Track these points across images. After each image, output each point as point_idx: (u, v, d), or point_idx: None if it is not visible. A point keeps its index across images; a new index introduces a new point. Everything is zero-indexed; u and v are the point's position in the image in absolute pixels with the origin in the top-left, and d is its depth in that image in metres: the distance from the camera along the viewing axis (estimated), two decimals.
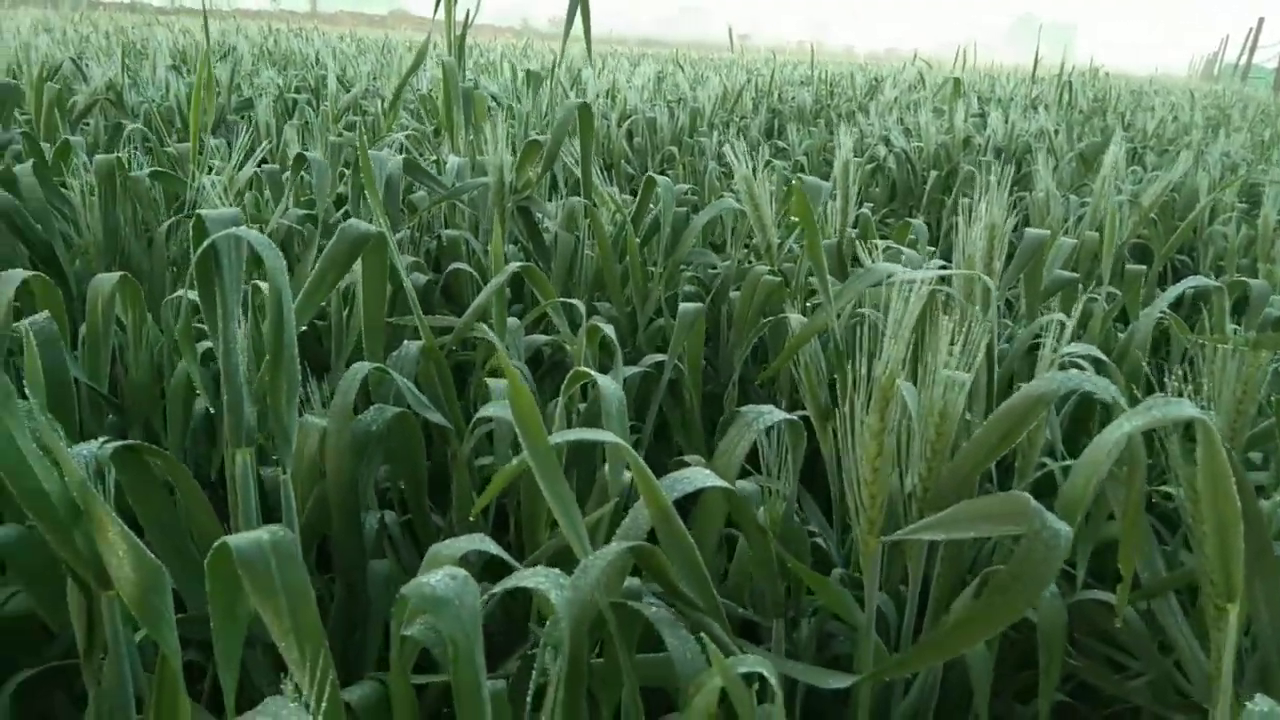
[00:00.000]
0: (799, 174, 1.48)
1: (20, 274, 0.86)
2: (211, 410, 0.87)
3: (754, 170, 1.41)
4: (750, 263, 1.39)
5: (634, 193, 1.90)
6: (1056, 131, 2.86)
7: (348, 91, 2.82)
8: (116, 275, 0.88)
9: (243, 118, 2.67)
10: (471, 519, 0.65)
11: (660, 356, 1.05)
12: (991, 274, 1.01)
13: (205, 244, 0.63)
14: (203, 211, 0.66)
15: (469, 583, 0.44)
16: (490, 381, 0.89)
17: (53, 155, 1.46)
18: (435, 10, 1.74)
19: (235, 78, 2.76)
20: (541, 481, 0.55)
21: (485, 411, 0.80)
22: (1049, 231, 1.18)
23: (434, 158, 1.84)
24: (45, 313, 0.76)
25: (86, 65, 2.77)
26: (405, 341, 0.88)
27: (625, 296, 1.34)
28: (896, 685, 0.73)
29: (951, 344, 0.66)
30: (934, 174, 2.45)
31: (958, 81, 3.05)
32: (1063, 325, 0.87)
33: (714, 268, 1.48)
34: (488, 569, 0.75)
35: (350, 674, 0.74)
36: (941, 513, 0.58)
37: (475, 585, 0.44)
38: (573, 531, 0.55)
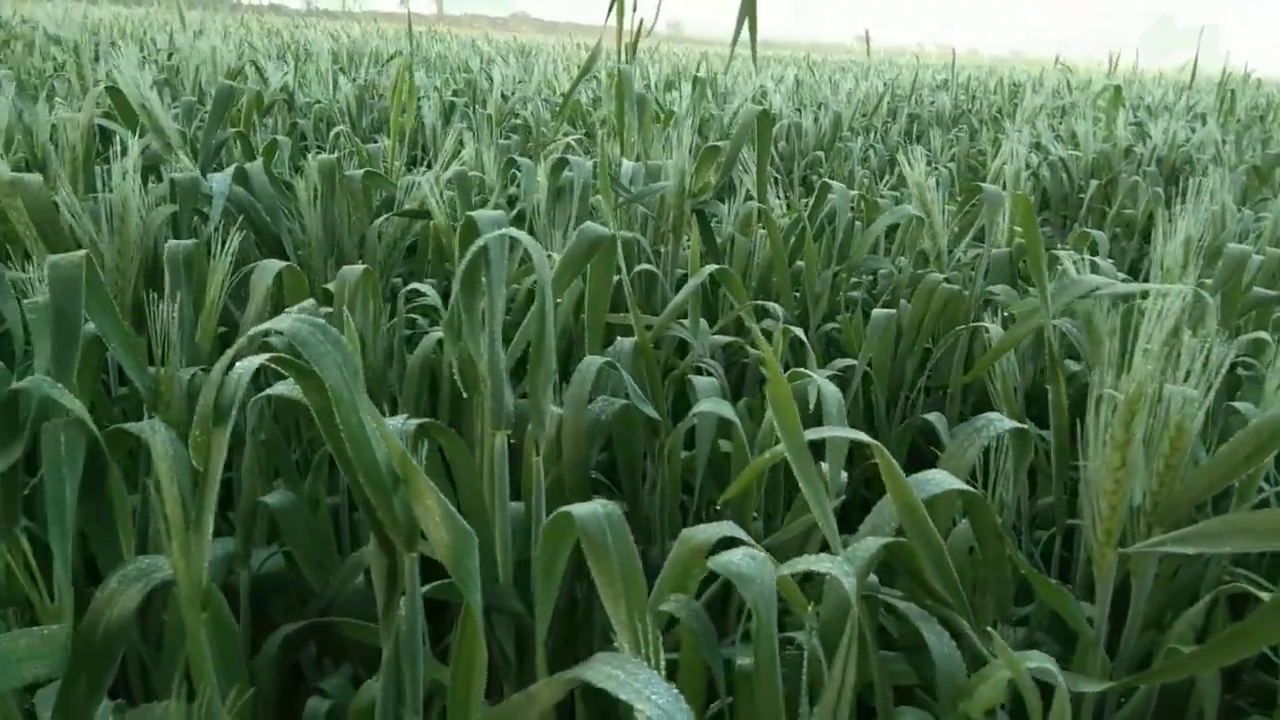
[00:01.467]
0: (976, 181, 1.48)
1: (277, 264, 0.95)
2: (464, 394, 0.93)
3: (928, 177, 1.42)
4: (921, 269, 1.40)
5: (782, 197, 1.92)
6: (1225, 142, 2.74)
7: (503, 95, 2.92)
8: (360, 268, 0.96)
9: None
10: (718, 507, 0.69)
11: (849, 361, 1.08)
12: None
13: (479, 242, 0.69)
14: (475, 214, 0.72)
15: (766, 563, 0.47)
16: (695, 379, 0.93)
17: (261, 154, 1.58)
18: (606, 16, 1.80)
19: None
20: (799, 474, 0.58)
21: (701, 408, 0.84)
22: (1250, 247, 1.15)
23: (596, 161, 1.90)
24: (310, 300, 0.84)
25: (260, 67, 2.96)
26: (618, 338, 0.93)
27: (794, 299, 1.37)
28: (1110, 697, 0.74)
29: (1192, 360, 0.66)
30: (1094, 183, 2.38)
31: (1118, 89, 2.95)
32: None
33: (884, 274, 1.49)
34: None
35: (579, 645, 0.79)
36: (1192, 527, 0.59)
37: (771, 565, 0.47)
38: (826, 524, 0.59)
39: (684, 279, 1.46)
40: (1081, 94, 4.88)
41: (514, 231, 0.69)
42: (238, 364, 0.54)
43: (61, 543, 0.62)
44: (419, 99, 2.93)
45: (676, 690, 0.40)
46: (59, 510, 0.63)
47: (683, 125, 1.32)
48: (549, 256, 0.94)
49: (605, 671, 0.41)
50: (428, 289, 1.06)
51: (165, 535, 0.73)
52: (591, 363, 0.80)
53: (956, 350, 1.26)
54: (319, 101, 2.75)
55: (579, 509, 0.48)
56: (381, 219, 1.26)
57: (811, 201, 1.46)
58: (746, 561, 0.47)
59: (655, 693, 0.39)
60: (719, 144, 1.36)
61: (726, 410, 0.83)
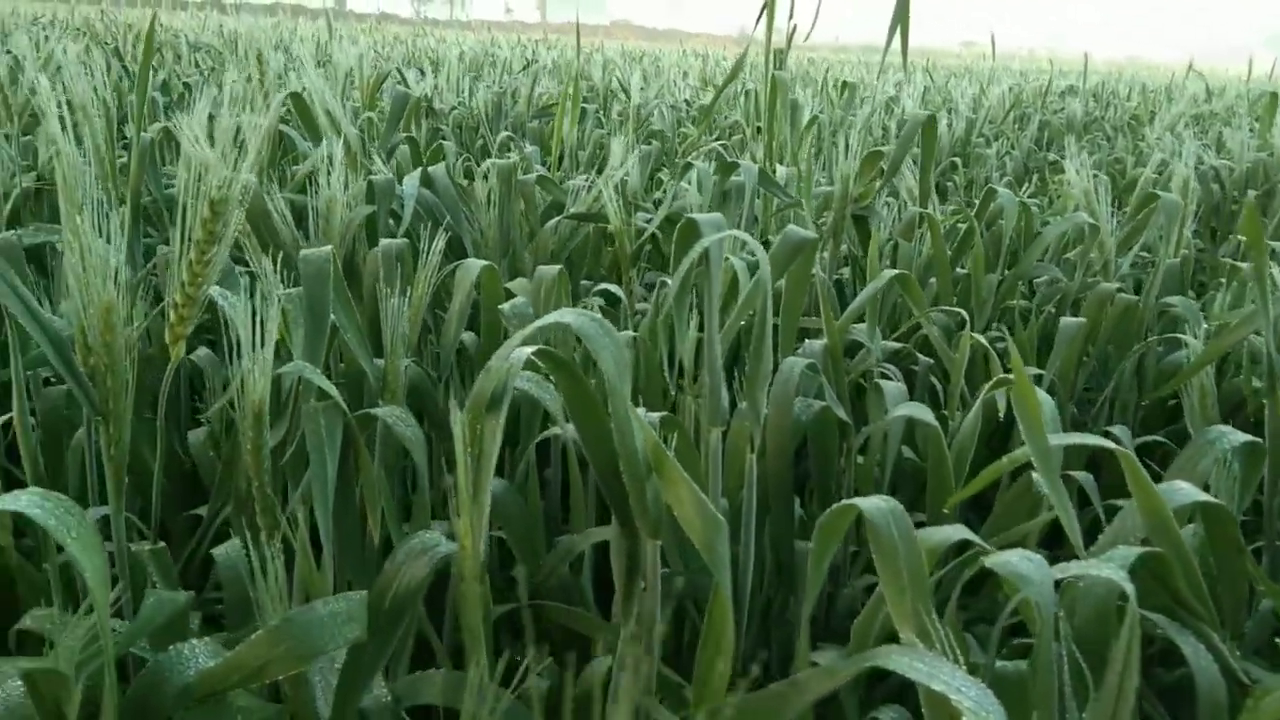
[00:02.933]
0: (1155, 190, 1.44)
1: (478, 263, 0.99)
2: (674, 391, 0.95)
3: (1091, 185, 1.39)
4: (1091, 279, 1.36)
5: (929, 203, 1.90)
6: None
7: (627, 99, 2.97)
8: (555, 268, 0.99)
9: (537, 123, 2.88)
10: (946, 510, 0.70)
11: (1034, 370, 1.06)
12: None
13: (702, 244, 0.71)
14: (696, 216, 0.74)
15: (1044, 565, 0.48)
16: (884, 384, 0.93)
17: (426, 157, 1.64)
18: (756, 24, 1.82)
19: (534, 86, 2.98)
20: (1046, 479, 0.58)
21: (900, 411, 0.84)
22: None
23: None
24: (522, 298, 0.88)
25: (403, 75, 3.07)
26: (806, 340, 0.95)
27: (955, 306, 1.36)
28: None
29: None
30: (1250, 194, 2.28)
31: (1274, 95, 2.81)
32: None
33: (1042, 280, 1.46)
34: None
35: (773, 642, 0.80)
36: None
37: (1049, 566, 0.48)
38: (1072, 531, 0.59)
39: (838, 284, 1.46)
40: (1219, 100, 4.66)
41: (739, 234, 0.71)
42: (512, 353, 0.57)
43: (325, 518, 0.67)
44: (555, 105, 2.99)
45: (981, 683, 0.41)
46: (322, 487, 0.67)
47: (851, 130, 1.32)
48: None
49: (905, 662, 0.42)
50: (615, 290, 1.09)
51: (428, 514, 0.78)
52: (794, 364, 0.82)
53: (1129, 361, 1.22)
54: (455, 107, 2.84)
55: (864, 503, 0.49)
56: (553, 221, 1.30)
57: (977, 206, 1.44)
58: (1025, 563, 0.47)
59: (963, 685, 0.40)
60: (881, 149, 1.36)
61: (926, 414, 0.83)
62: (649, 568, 0.62)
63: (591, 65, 5.53)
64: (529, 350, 0.58)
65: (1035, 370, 1.07)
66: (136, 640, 0.51)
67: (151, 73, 2.58)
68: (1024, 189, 2.42)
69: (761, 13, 1.79)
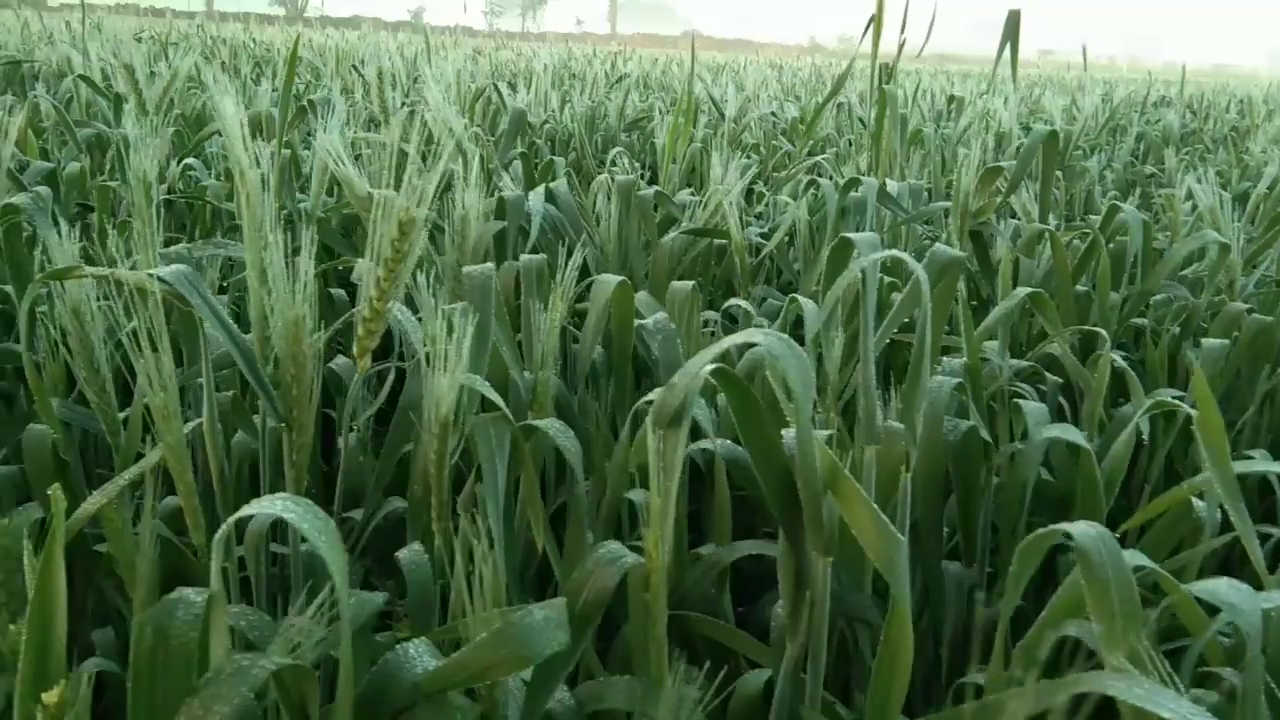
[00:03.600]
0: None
1: (614, 279, 1.01)
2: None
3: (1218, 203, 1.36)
4: (1216, 298, 1.33)
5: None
6: None
7: (720, 114, 2.98)
8: (689, 284, 1.01)
9: (630, 135, 2.91)
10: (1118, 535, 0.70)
11: (1175, 391, 1.05)
12: None
13: (860, 263, 0.72)
14: (851, 235, 0.75)
15: (1253, 593, 0.48)
16: (1024, 404, 0.92)
17: (539, 172, 1.68)
18: (862, 37, 1.82)
19: (626, 100, 3.01)
20: (1231, 508, 0.58)
21: (1050, 433, 0.84)
22: None
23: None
24: (662, 314, 0.90)
25: (499, 90, 3.13)
26: (944, 358, 0.95)
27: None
28: None
29: None
30: None
31: None
32: None
33: (1160, 299, 1.43)
34: None
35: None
36: None
37: (1257, 595, 0.48)
38: (1256, 558, 0.58)
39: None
40: None
41: (898, 254, 0.72)
42: (696, 373, 0.59)
43: (497, 524, 0.69)
44: (645, 119, 3.03)
45: (1205, 709, 0.41)
46: (494, 494, 0.70)
47: (973, 144, 1.31)
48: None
49: (1123, 687, 0.42)
50: (747, 305, 1.10)
51: (583, 522, 0.80)
52: (943, 383, 0.82)
53: (1261, 383, 1.19)
54: (546, 121, 2.89)
55: (1075, 528, 0.50)
56: (670, 236, 1.32)
57: (1099, 222, 1.42)
58: (1234, 592, 0.47)
59: (1190, 712, 0.41)
60: (1002, 164, 1.35)
61: (1076, 436, 0.83)
62: (820, 584, 0.63)
63: (669, 76, 5.56)
64: (711, 366, 0.60)
65: (1175, 391, 1.05)
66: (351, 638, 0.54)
67: (272, 88, 2.67)
68: (1128, 203, 2.37)
69: (868, 27, 1.80)
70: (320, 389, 0.73)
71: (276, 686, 0.45)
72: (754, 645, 0.78)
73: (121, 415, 0.84)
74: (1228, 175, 2.93)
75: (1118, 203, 1.41)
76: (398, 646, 0.50)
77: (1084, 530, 0.48)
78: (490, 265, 0.81)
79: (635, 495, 0.87)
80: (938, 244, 0.87)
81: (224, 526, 0.45)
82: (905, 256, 0.72)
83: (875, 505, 0.58)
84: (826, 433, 0.69)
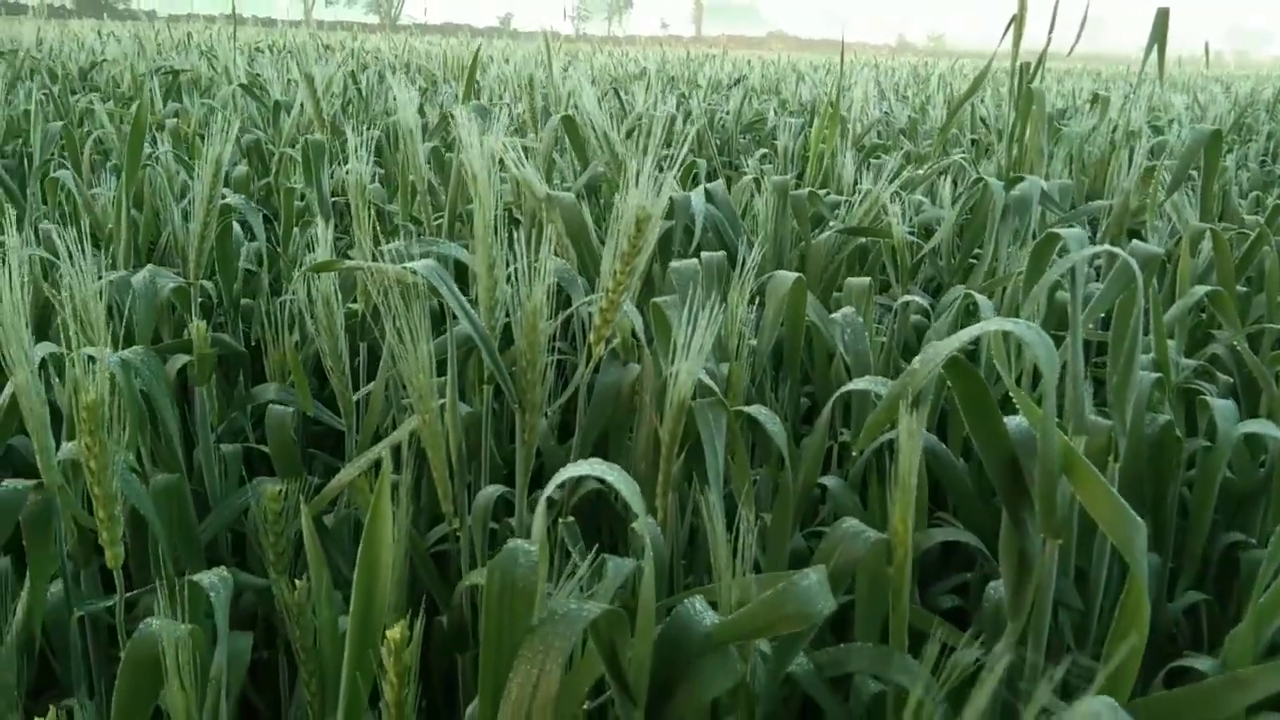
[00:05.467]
0: None
1: (790, 275, 1.05)
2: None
3: None
4: None
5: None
6: None
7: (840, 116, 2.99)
8: (865, 280, 1.04)
9: (745, 138, 2.95)
10: None
11: None
12: None
13: (1070, 259, 0.74)
14: (1060, 230, 0.78)
15: None
16: (1212, 400, 0.93)
17: (682, 174, 1.73)
18: (1004, 36, 1.82)
19: (744, 103, 3.05)
20: None
21: (1247, 428, 0.85)
22: None
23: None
24: (849, 309, 0.94)
25: (621, 95, 3.20)
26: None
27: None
28: None
29: None
30: None
31: None
32: None
33: None
34: None
35: None
36: None
37: None
38: None
39: None
40: None
41: (1110, 248, 0.74)
42: (941, 354, 0.62)
43: (719, 501, 0.74)
44: (760, 121, 3.06)
45: None
46: (716, 474, 0.75)
47: (1137, 144, 1.31)
48: None
49: None
50: (921, 298, 1.13)
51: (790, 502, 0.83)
52: (1147, 379, 0.84)
53: None
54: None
55: None
56: (827, 234, 1.35)
57: (1266, 219, 1.40)
58: None
59: None
60: (1155, 164, 1.34)
61: (1274, 431, 0.83)
62: (1046, 565, 0.66)
63: (767, 79, 5.57)
64: (947, 353, 0.63)
65: None
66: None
67: (417, 93, 2.79)
68: (1269, 202, 2.31)
69: (1009, 26, 1.80)
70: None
71: (591, 632, 0.51)
72: (949, 629, 0.81)
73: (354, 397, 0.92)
74: None
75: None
76: (685, 601, 0.55)
77: None
78: (694, 262, 0.85)
79: (828, 480, 0.91)
80: (1136, 241, 0.88)
81: (551, 484, 0.50)
82: (1118, 251, 0.74)
83: (1111, 489, 0.61)
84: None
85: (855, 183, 1.74)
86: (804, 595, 0.52)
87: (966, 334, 0.61)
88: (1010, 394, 0.66)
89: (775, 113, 3.03)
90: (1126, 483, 0.80)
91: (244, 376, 1.16)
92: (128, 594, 0.69)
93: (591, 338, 0.76)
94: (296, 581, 0.70)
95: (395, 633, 0.51)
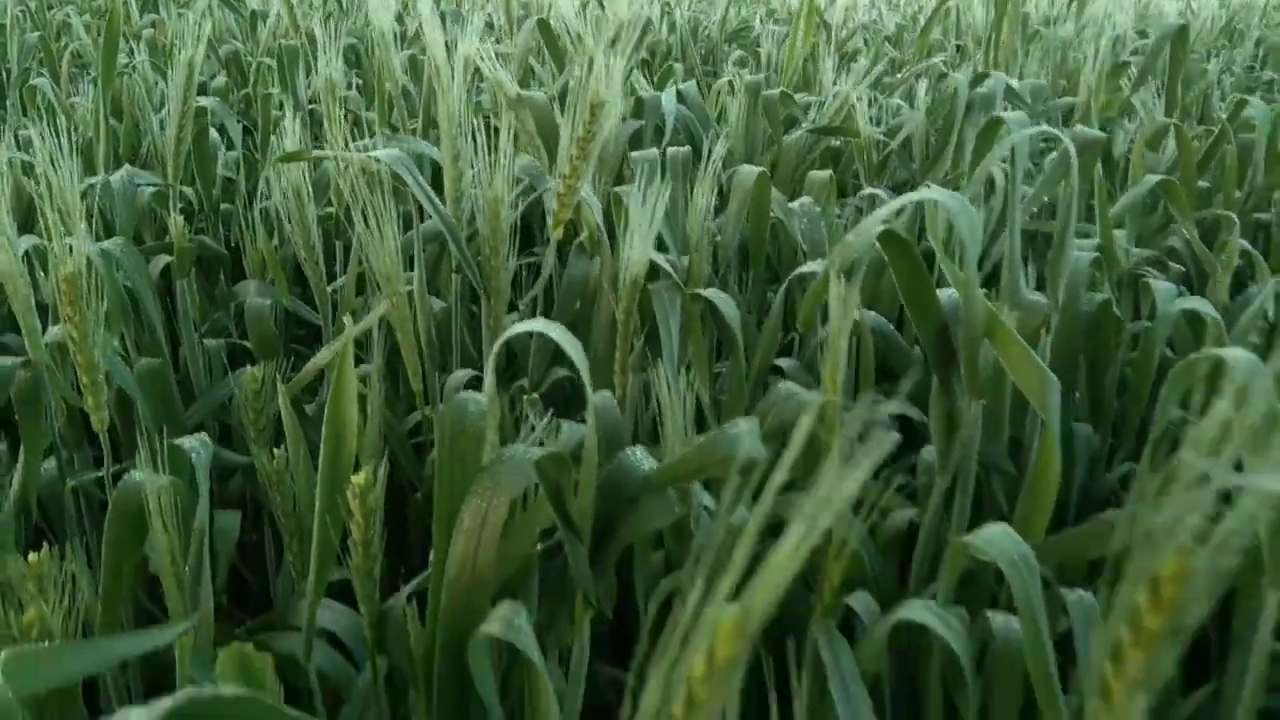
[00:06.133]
0: None
1: (754, 169, 1.08)
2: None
3: None
4: None
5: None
6: None
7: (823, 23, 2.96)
8: (826, 173, 1.07)
9: (730, 46, 2.92)
10: None
11: None
12: None
13: (1011, 139, 0.77)
14: (1000, 114, 0.80)
15: None
16: (1153, 282, 0.97)
17: (659, 78, 1.73)
18: None
19: (728, 10, 3.01)
20: None
21: (1182, 304, 0.89)
22: None
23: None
24: (808, 198, 0.97)
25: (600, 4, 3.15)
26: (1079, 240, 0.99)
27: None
28: None
29: None
30: None
31: None
32: None
33: None
34: None
35: None
36: None
37: None
38: None
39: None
40: None
41: (1048, 129, 0.77)
42: (866, 232, 0.66)
43: (673, 376, 0.78)
44: (747, 29, 3.03)
45: None
46: (670, 352, 0.79)
47: (1099, 41, 1.33)
48: None
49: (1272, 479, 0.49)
50: (882, 192, 1.16)
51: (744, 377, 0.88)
52: (1083, 258, 0.87)
53: None
54: (648, 33, 2.92)
55: (1230, 354, 0.56)
56: (797, 133, 1.37)
57: (1226, 116, 1.42)
58: None
59: None
60: (1128, 60, 1.36)
61: (1208, 308, 0.87)
62: (970, 424, 0.71)
63: None
64: (878, 224, 0.67)
65: None
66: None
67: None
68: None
69: None
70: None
71: (538, 473, 0.55)
72: (893, 495, 0.87)
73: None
74: None
75: (1244, 97, 1.41)
76: (627, 450, 0.59)
77: (1237, 355, 0.54)
78: (654, 151, 0.88)
79: (782, 362, 0.95)
80: (1079, 125, 0.91)
81: (498, 341, 0.54)
82: (1056, 131, 0.77)
83: (1031, 350, 0.65)
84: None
85: (835, 86, 1.74)
86: (732, 442, 0.57)
87: (895, 204, 0.64)
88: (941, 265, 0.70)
89: (761, 21, 2.99)
90: (1060, 355, 0.85)
91: (224, 277, 1.19)
92: (116, 466, 0.74)
93: (551, 223, 0.79)
94: (276, 452, 0.75)
95: (360, 478, 0.56)
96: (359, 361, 0.92)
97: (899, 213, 0.97)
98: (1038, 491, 0.65)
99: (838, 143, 1.50)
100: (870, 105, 1.94)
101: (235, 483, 1.01)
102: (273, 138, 1.52)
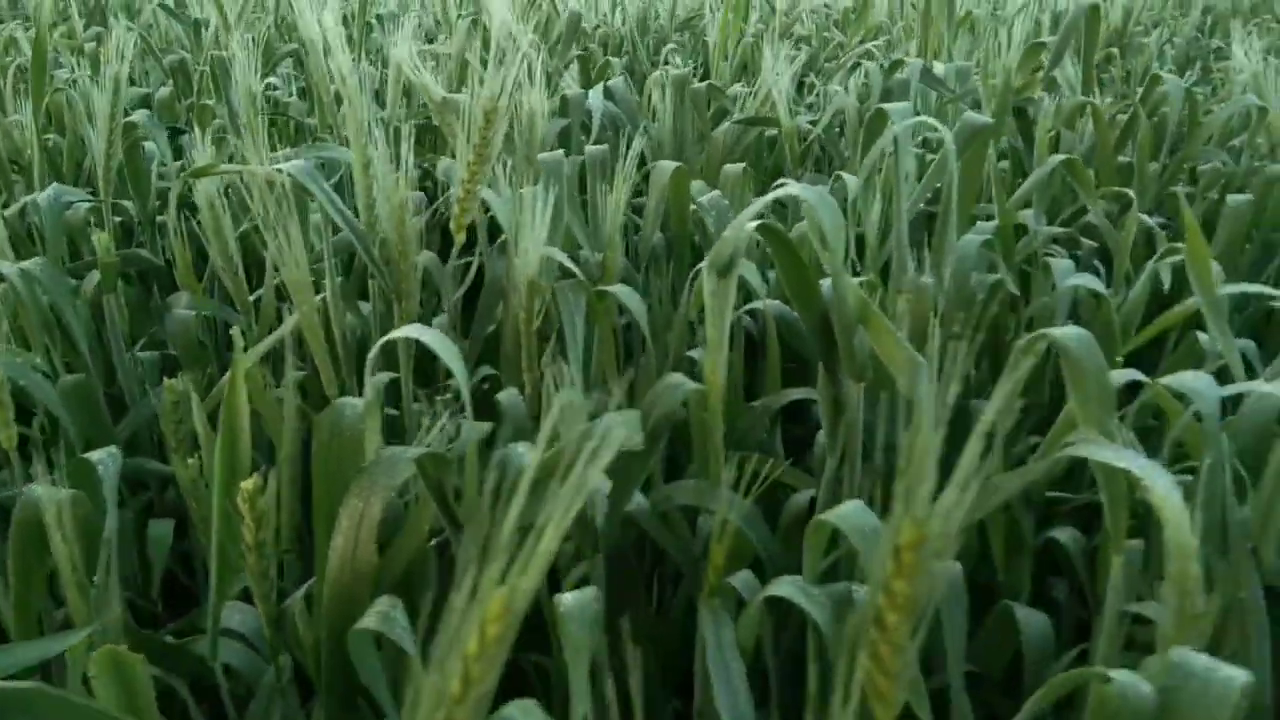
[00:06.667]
0: None
1: (670, 165, 1.10)
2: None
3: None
4: (1258, 163, 1.37)
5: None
6: None
7: (771, 6, 2.98)
8: (741, 165, 1.10)
9: (682, 35, 2.94)
10: (1119, 359, 0.79)
11: None
12: None
13: (893, 130, 0.80)
14: (885, 105, 0.83)
15: (1212, 382, 0.57)
16: (1052, 260, 1.00)
17: (596, 74, 1.75)
18: None
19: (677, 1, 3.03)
20: (1213, 323, 0.67)
21: (1071, 281, 0.92)
22: None
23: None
24: (716, 193, 0.99)
25: None
26: (981, 222, 1.02)
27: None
28: None
29: None
30: None
31: None
32: None
33: (1207, 168, 1.47)
34: None
35: None
36: None
37: (1215, 383, 0.57)
38: (1235, 366, 0.67)
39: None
40: None
41: (927, 119, 0.80)
42: (742, 227, 0.69)
43: (579, 371, 0.81)
44: (697, 17, 3.04)
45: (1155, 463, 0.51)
46: (575, 348, 0.82)
47: (1015, 22, 1.35)
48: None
49: (1093, 449, 0.53)
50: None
51: (653, 370, 0.91)
52: (972, 240, 0.90)
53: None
54: (599, 25, 2.93)
55: (1058, 332, 0.59)
56: (724, 126, 1.40)
57: (1140, 93, 1.45)
58: (1195, 380, 0.57)
59: (1141, 464, 0.50)
60: (1043, 41, 1.39)
61: (1095, 284, 0.91)
62: (854, 407, 0.74)
63: None
64: (751, 219, 0.70)
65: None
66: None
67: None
68: (1188, 77, 2.35)
69: None
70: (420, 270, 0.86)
71: (420, 471, 0.58)
72: (802, 477, 0.90)
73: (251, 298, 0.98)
74: None
75: (1160, 73, 1.44)
76: (508, 445, 0.62)
77: (1067, 332, 0.58)
78: (560, 152, 0.91)
79: (695, 354, 0.98)
80: (968, 112, 0.94)
81: (375, 348, 0.57)
82: (933, 121, 0.80)
83: (902, 337, 0.68)
84: (860, 279, 0.78)
85: (775, 74, 1.77)
86: (610, 430, 0.60)
87: (767, 199, 0.67)
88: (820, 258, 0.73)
89: (711, 9, 3.01)
90: (950, 336, 0.88)
91: (158, 289, 1.21)
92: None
93: (452, 225, 0.82)
94: (190, 461, 0.77)
95: (249, 484, 0.59)
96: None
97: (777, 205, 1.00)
98: (912, 471, 0.68)
99: (775, 132, 1.53)
100: (810, 92, 1.98)
101: (172, 493, 1.03)
102: (212, 148, 1.54)
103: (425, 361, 1.16)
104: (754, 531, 0.71)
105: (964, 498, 0.35)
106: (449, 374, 1.12)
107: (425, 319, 1.23)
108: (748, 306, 0.98)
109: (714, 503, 0.69)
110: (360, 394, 0.93)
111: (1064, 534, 0.73)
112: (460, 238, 0.82)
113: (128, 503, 1.05)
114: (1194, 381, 0.57)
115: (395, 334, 0.59)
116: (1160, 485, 0.47)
